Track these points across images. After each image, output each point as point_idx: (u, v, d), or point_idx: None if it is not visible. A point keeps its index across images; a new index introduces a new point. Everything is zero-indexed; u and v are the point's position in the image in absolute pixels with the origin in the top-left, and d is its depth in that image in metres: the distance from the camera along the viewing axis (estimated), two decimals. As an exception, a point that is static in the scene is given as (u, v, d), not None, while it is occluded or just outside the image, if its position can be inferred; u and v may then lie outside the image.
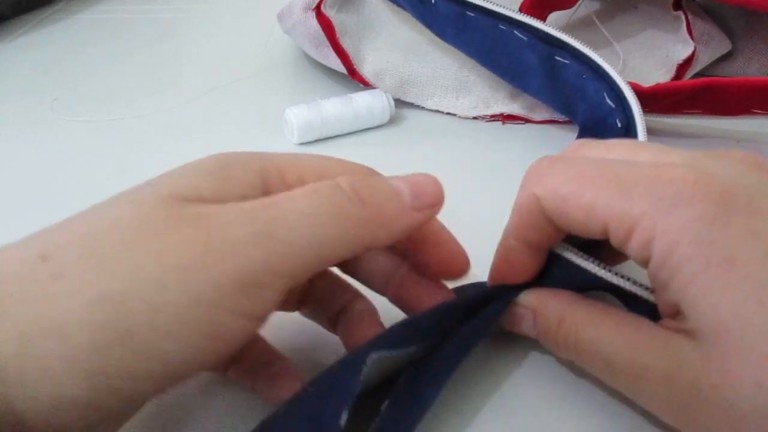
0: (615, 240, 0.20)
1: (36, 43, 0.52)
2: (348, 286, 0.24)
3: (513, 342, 0.26)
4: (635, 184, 0.20)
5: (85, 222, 0.18)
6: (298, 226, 0.18)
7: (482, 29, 0.38)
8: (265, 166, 0.20)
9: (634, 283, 0.22)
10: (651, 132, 0.24)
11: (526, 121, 0.40)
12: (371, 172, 0.23)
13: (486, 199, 0.34)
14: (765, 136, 0.38)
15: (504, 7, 0.38)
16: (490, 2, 0.38)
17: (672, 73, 0.41)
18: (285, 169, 0.21)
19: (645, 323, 0.20)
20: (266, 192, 0.20)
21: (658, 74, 0.41)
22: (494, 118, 0.41)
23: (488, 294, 0.24)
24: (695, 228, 0.18)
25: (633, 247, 0.20)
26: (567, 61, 0.36)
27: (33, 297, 0.17)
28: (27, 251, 0.18)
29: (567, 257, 0.23)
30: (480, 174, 0.36)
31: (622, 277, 0.22)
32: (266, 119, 0.40)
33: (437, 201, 0.21)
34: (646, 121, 0.38)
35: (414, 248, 0.24)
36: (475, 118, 0.41)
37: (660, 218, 0.19)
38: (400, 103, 0.41)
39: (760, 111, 0.35)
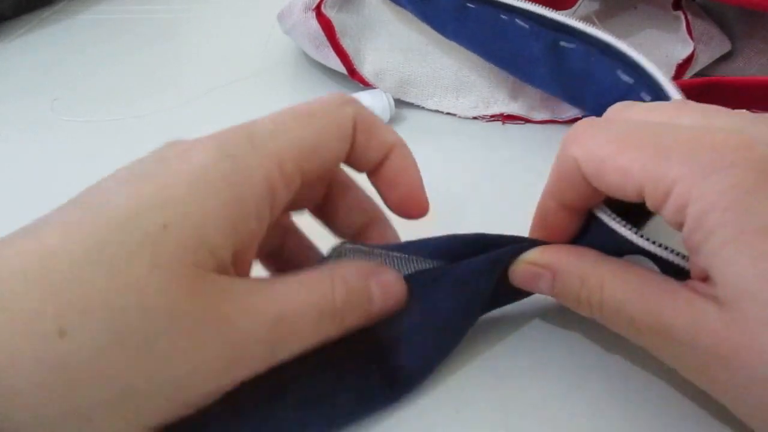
0: (651, 203, 0.20)
1: (36, 43, 0.52)
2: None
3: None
4: (674, 147, 0.19)
5: (105, 289, 0.17)
6: (297, 340, 0.21)
7: (483, 20, 0.37)
8: (269, 174, 0.20)
9: (669, 250, 0.22)
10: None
11: (526, 121, 0.40)
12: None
13: (486, 198, 0.34)
14: (765, 136, 0.38)
15: None
16: None
17: (671, 73, 0.41)
18: (284, 163, 0.21)
19: (670, 283, 0.21)
20: (273, 206, 0.21)
21: (658, 74, 0.41)
22: (494, 118, 0.41)
23: (504, 239, 0.24)
24: (731, 194, 0.18)
25: (668, 210, 0.20)
26: (572, 46, 0.35)
27: (51, 386, 0.16)
28: (41, 321, 0.16)
29: (602, 219, 0.23)
30: (480, 174, 0.36)
31: (657, 244, 0.22)
32: (266, 119, 0.40)
33: (398, 306, 0.23)
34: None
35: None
36: (475, 118, 0.41)
37: (696, 183, 0.19)
38: (400, 103, 0.41)
39: (760, 111, 0.35)
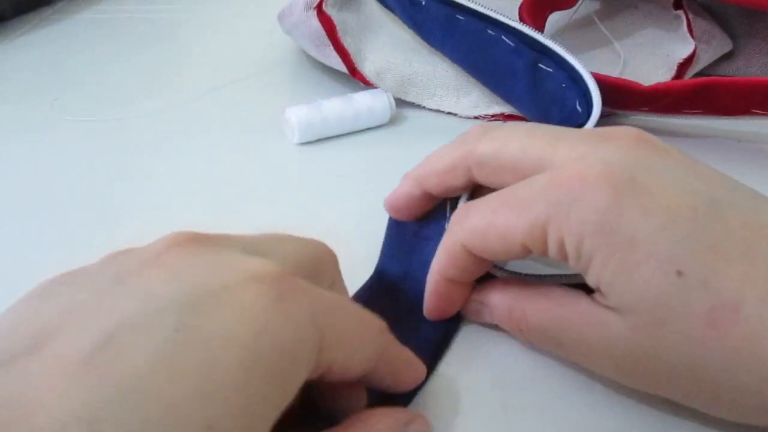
0: (536, 251, 0.22)
1: (37, 43, 0.52)
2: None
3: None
4: (534, 197, 0.22)
5: None
6: None
7: (470, 33, 0.38)
8: (310, 364, 0.19)
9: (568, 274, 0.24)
10: (651, 132, 0.24)
11: (527, 121, 0.40)
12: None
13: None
14: (765, 136, 0.38)
15: (494, 11, 0.38)
16: (481, 5, 0.38)
17: (673, 72, 0.41)
18: (324, 354, 0.19)
19: (582, 301, 0.22)
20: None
21: (658, 74, 0.41)
22: (495, 118, 0.41)
23: None
24: (593, 219, 0.20)
25: (552, 251, 0.22)
26: (550, 70, 0.36)
27: None
28: None
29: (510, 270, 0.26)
30: (480, 174, 0.36)
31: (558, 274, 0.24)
32: (266, 119, 0.40)
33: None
34: (646, 121, 0.38)
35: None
36: (476, 117, 0.41)
37: (562, 219, 0.21)
38: (400, 102, 0.41)
39: (760, 111, 0.35)
